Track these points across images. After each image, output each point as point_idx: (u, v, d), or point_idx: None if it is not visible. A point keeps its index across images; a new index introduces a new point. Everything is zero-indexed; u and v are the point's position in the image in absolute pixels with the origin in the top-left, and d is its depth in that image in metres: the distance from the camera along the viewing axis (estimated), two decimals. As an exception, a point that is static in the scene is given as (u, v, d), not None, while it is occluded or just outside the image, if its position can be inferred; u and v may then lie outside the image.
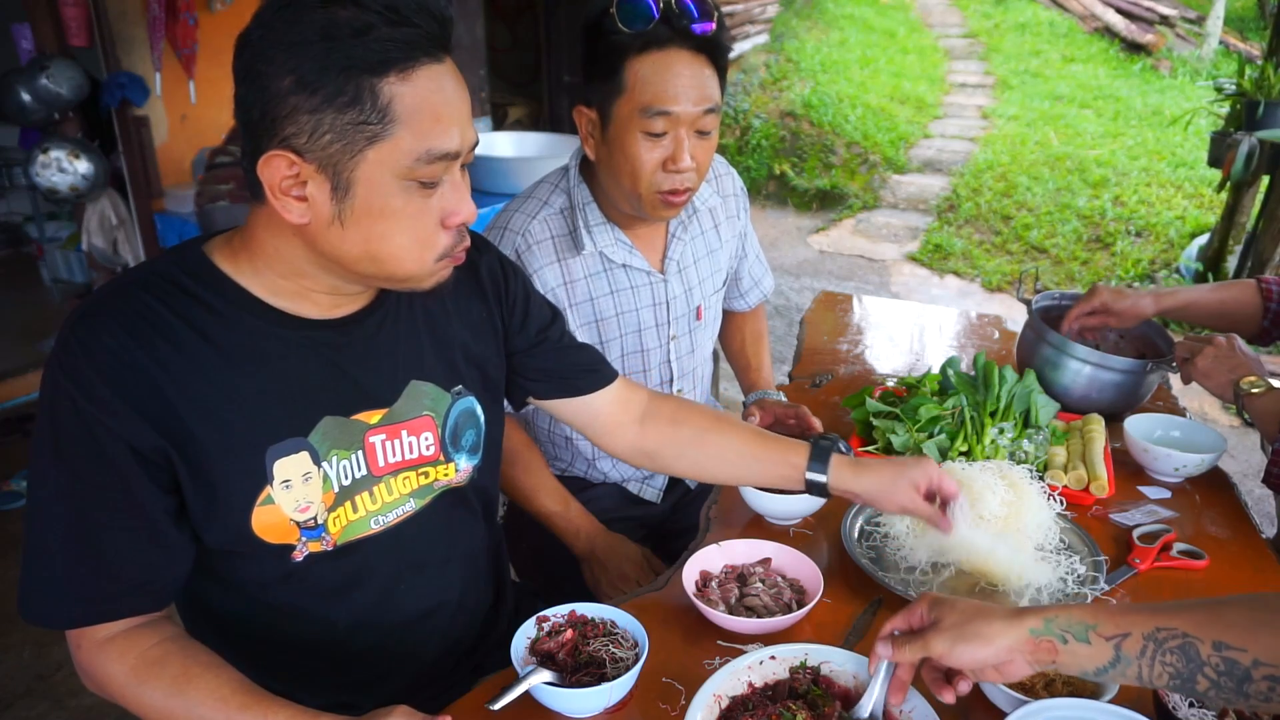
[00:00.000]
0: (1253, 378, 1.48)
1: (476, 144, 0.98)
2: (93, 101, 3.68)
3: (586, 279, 1.57)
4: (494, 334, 1.22)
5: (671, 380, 1.71)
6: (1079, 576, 1.27)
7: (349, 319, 1.06)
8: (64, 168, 3.53)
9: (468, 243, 1.00)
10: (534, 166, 3.39)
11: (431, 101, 0.90)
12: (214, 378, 0.96)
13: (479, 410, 1.19)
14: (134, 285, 0.96)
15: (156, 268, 0.99)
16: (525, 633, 1.10)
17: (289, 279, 1.00)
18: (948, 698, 0.92)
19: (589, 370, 1.32)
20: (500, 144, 3.96)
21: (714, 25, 1.38)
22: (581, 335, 1.58)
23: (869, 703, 0.97)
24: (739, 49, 8.61)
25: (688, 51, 1.38)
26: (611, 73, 1.39)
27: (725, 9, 8.42)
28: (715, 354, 2.37)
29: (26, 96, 3.45)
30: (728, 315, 1.96)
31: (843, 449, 1.27)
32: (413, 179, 0.92)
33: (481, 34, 5.43)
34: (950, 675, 0.94)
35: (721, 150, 7.93)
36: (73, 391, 0.92)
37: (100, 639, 0.98)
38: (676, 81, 1.37)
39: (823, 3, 10.60)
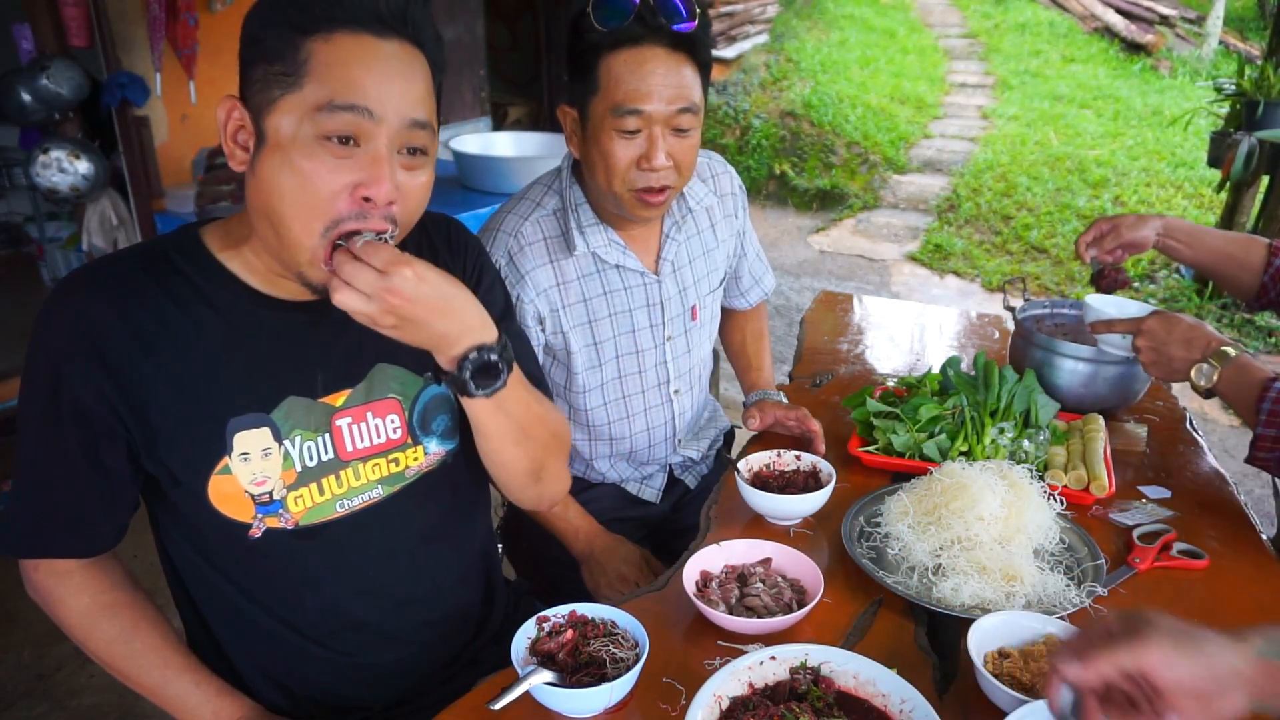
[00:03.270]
0: (1202, 366, 1.40)
1: (424, 128, 0.97)
2: (93, 102, 3.68)
3: (579, 280, 1.56)
4: None
5: (668, 381, 1.71)
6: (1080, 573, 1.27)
7: (320, 302, 1.07)
8: (64, 168, 3.53)
9: (375, 225, 0.96)
10: (533, 166, 3.39)
11: (349, 64, 0.92)
12: (186, 348, 1.02)
13: (453, 396, 1.20)
14: (127, 256, 1.04)
15: (152, 244, 1.07)
16: (525, 633, 1.10)
17: (262, 260, 1.05)
18: None
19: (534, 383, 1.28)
20: (500, 144, 3.95)
21: (694, 24, 1.37)
22: (575, 336, 1.58)
23: None
24: (739, 49, 8.61)
25: (663, 49, 1.37)
26: (587, 71, 1.39)
27: (725, 9, 8.44)
28: (715, 353, 2.37)
29: (27, 97, 3.45)
30: (728, 313, 1.96)
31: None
32: (319, 133, 0.92)
33: (481, 34, 5.43)
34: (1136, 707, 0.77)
35: (721, 150, 7.92)
36: (48, 344, 1.00)
37: (57, 571, 1.10)
38: (649, 80, 1.36)
39: (823, 3, 10.60)
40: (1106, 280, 1.78)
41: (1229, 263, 1.64)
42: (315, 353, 1.09)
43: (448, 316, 0.97)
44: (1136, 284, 5.43)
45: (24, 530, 1.07)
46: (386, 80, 0.93)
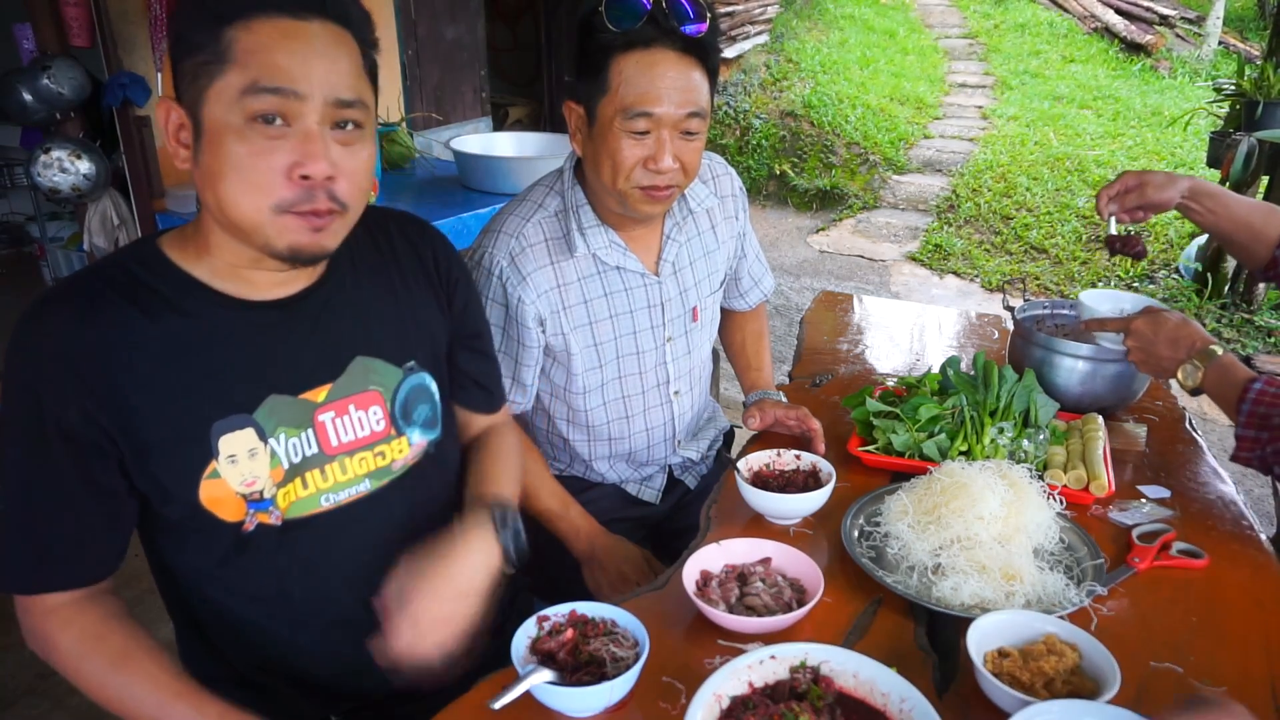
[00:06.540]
0: (1187, 366, 1.42)
1: (353, 106, 0.97)
2: (94, 101, 3.68)
3: (580, 282, 1.57)
4: (440, 312, 1.26)
5: (668, 382, 1.71)
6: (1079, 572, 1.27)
7: (291, 299, 1.10)
8: (65, 168, 3.53)
9: (320, 205, 0.97)
10: (534, 166, 3.39)
11: (269, 46, 0.92)
12: (160, 359, 1.02)
13: (432, 386, 1.23)
14: (89, 274, 1.04)
15: (113, 258, 1.07)
16: (526, 632, 1.10)
17: (226, 260, 1.05)
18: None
19: (480, 386, 1.36)
20: (500, 144, 3.95)
21: (705, 26, 1.37)
22: (576, 338, 1.58)
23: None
24: (739, 49, 8.61)
25: (674, 53, 1.37)
26: (597, 71, 1.39)
27: (725, 9, 8.44)
28: (715, 354, 2.37)
29: (28, 96, 3.45)
30: (728, 314, 1.96)
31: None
32: (247, 115, 0.93)
33: (482, 34, 5.43)
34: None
35: (721, 150, 7.91)
36: (24, 371, 0.99)
37: (48, 606, 1.05)
38: (660, 83, 1.37)
39: (823, 3, 10.60)
40: (1120, 247, 1.74)
41: (1246, 231, 1.60)
42: (291, 349, 1.09)
43: None
44: (1135, 284, 5.44)
45: (24, 566, 1.03)
46: (308, 61, 0.93)
